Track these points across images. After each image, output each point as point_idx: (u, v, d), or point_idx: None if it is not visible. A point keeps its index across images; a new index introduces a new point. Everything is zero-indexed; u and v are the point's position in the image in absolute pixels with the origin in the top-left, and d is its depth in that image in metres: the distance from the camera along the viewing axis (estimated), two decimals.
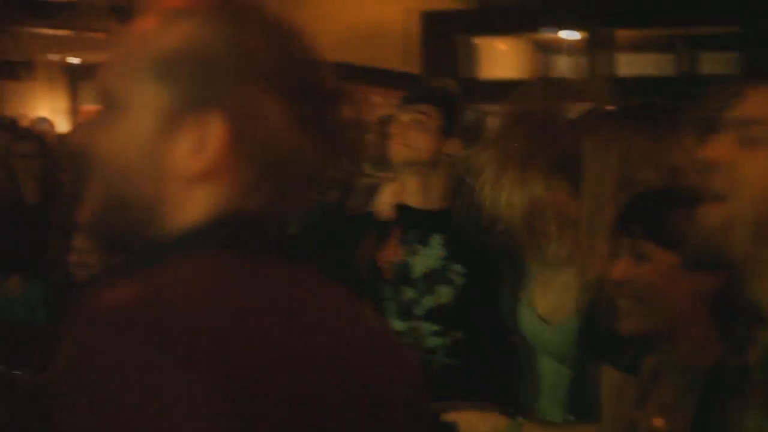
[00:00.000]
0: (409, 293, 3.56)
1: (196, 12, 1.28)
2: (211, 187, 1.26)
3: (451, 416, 2.82)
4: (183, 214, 1.27)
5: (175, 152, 1.25)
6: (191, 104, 1.24)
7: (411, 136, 3.58)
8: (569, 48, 12.13)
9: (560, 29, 11.79)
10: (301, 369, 1.20)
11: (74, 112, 13.07)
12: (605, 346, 2.58)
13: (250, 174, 1.26)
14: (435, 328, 3.52)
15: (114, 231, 1.31)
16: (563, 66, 12.27)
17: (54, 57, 12.72)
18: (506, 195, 2.99)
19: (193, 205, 1.26)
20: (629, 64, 12.00)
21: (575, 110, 3.22)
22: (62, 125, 11.55)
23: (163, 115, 1.25)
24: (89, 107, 13.37)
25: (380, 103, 10.56)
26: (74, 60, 13.48)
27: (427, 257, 3.56)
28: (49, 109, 12.38)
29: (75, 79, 13.51)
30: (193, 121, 1.24)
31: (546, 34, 12.10)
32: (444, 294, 3.53)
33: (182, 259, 1.23)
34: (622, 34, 11.78)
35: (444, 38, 11.29)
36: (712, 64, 12.13)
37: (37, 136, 7.16)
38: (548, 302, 3.12)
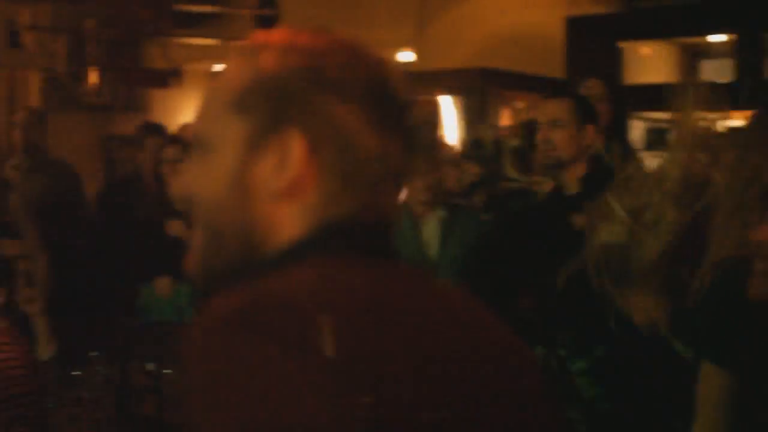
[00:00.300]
0: None
1: (267, 46, 1.37)
2: (299, 202, 1.32)
3: None
4: (279, 233, 1.32)
5: (259, 175, 1.32)
6: (269, 128, 1.32)
7: (552, 137, 3.72)
8: (718, 51, 11.88)
9: (709, 33, 11.56)
10: (414, 362, 1.21)
11: None
12: (712, 344, 2.52)
13: (334, 182, 1.32)
14: None
15: (218, 265, 1.37)
16: (712, 70, 12.02)
17: (200, 65, 12.95)
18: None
19: (286, 223, 1.32)
20: None
21: (727, 117, 3.18)
22: None
23: (244, 143, 1.33)
24: None
25: (526, 108, 10.52)
26: (220, 68, 13.70)
27: None
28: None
29: None
30: (273, 143, 1.31)
31: (695, 38, 11.89)
32: None
33: (288, 268, 1.27)
34: None
35: (591, 43, 11.15)
36: None
37: (185, 141, 7.30)
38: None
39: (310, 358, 1.12)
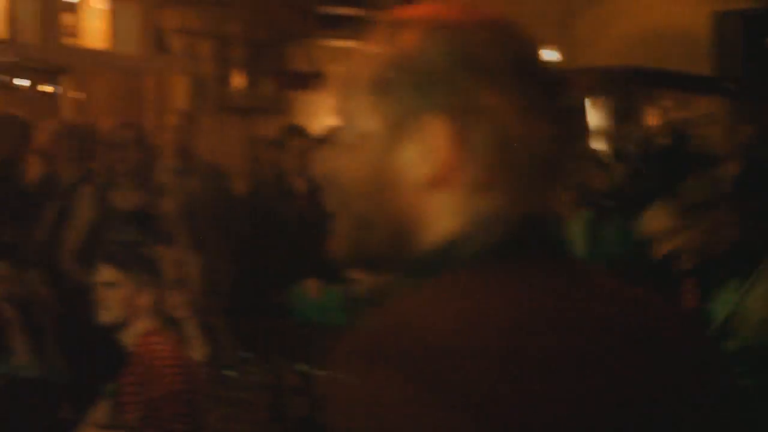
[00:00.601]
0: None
1: (410, 22, 1.28)
2: (447, 193, 1.24)
3: None
4: (428, 225, 1.25)
5: (404, 162, 1.25)
6: (414, 112, 1.24)
7: (706, 133, 3.72)
8: None
9: None
10: (569, 401, 1.11)
11: None
12: None
13: (483, 172, 1.23)
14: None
15: (366, 252, 1.31)
16: None
17: (343, 68, 13.06)
18: None
19: (434, 214, 1.25)
20: None
21: None
22: None
23: (387, 127, 1.25)
24: None
25: (671, 106, 10.35)
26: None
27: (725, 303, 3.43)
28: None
29: None
30: (417, 128, 1.23)
31: None
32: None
33: (434, 279, 1.21)
34: None
35: (740, 38, 10.92)
36: None
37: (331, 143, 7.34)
38: None
39: (446, 399, 1.07)
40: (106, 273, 4.20)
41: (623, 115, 10.03)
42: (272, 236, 6.87)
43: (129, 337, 4.15)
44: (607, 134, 9.98)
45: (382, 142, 1.25)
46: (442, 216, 1.24)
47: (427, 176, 1.23)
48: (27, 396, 4.03)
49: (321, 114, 12.77)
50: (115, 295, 4.14)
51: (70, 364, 5.23)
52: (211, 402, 4.70)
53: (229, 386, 4.91)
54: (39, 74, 9.57)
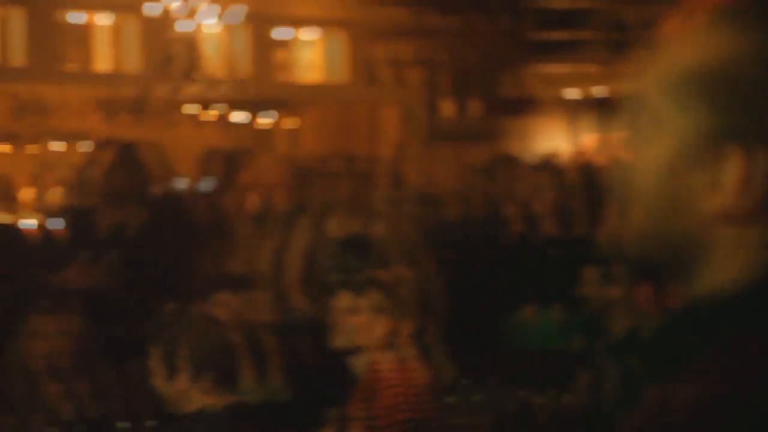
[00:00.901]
0: None
1: (739, 14, 1.08)
2: (737, 234, 1.07)
3: None
4: (715, 259, 1.09)
5: (697, 187, 1.08)
6: (709, 136, 1.07)
7: None
8: None
9: None
10: None
11: (575, 145, 13.27)
12: None
13: None
14: None
15: (649, 259, 1.16)
16: None
17: (554, 92, 12.99)
18: None
19: (724, 250, 1.08)
20: None
21: None
22: (564, 158, 11.75)
23: (682, 141, 1.08)
24: (588, 140, 13.59)
25: None
26: (574, 94, 13.73)
27: None
28: (552, 144, 12.64)
29: (575, 112, 13.71)
30: (712, 155, 1.06)
31: None
32: None
33: (727, 342, 1.04)
34: None
35: None
36: None
37: (552, 169, 7.31)
38: None
39: None
40: (345, 299, 4.23)
41: None
42: (486, 263, 6.87)
43: (362, 363, 4.17)
44: None
45: (675, 156, 1.10)
46: (734, 253, 1.09)
47: (721, 208, 1.07)
48: (251, 421, 4.10)
49: (533, 140, 12.72)
50: (353, 321, 4.18)
51: (295, 388, 5.32)
52: (435, 428, 4.71)
53: (450, 412, 4.90)
54: (255, 108, 9.85)
